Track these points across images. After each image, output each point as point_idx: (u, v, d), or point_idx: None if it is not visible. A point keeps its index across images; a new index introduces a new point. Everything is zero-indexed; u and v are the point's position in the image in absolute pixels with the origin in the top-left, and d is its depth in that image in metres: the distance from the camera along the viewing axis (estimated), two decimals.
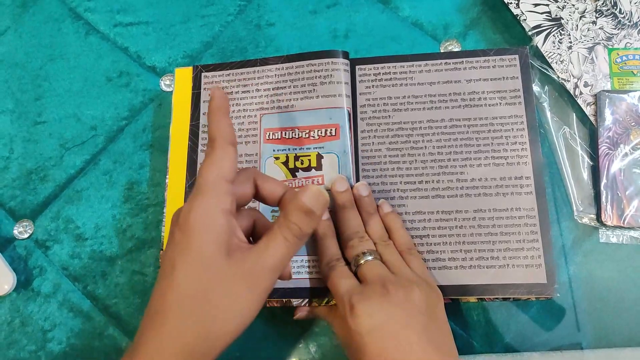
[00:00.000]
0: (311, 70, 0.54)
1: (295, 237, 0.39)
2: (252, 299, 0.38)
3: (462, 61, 0.54)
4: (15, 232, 0.59)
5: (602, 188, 0.53)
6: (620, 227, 0.53)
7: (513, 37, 0.60)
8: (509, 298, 0.49)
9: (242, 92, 0.56)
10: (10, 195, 0.61)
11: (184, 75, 0.58)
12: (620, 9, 0.58)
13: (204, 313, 0.36)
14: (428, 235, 0.50)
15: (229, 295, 0.37)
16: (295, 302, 0.50)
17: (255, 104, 0.55)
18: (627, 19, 0.58)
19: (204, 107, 0.57)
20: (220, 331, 0.37)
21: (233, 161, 0.39)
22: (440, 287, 0.48)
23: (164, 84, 0.63)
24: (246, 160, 0.54)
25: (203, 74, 0.58)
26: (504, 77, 0.53)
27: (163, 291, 0.37)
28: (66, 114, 0.63)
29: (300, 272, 0.50)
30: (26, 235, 0.59)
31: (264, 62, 0.56)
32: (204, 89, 0.57)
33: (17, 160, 0.62)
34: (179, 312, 0.36)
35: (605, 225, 0.53)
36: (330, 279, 0.46)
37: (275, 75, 0.56)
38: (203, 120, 0.56)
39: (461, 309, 0.53)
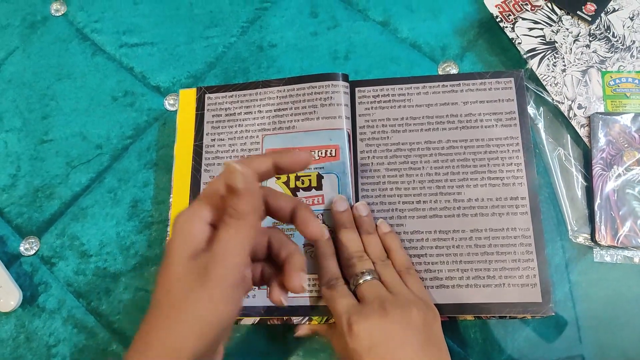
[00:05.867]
0: (312, 92, 0.55)
1: (232, 218, 0.38)
2: (225, 280, 0.37)
3: (459, 84, 0.55)
4: (22, 248, 0.60)
5: (596, 208, 0.54)
6: (614, 247, 0.54)
7: (509, 59, 0.62)
8: (506, 316, 0.50)
9: (245, 113, 0.57)
10: (17, 213, 0.62)
11: (188, 96, 0.60)
12: (613, 33, 0.59)
13: (190, 301, 0.37)
14: (426, 254, 0.51)
15: (206, 280, 0.37)
16: (295, 320, 0.51)
17: (258, 125, 0.57)
18: (620, 43, 0.59)
19: (207, 128, 0.58)
20: (209, 316, 0.37)
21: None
22: (438, 305, 0.48)
23: (168, 103, 0.65)
24: None
25: (207, 95, 0.59)
26: (499, 100, 0.54)
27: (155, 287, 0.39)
28: (72, 133, 0.64)
29: None
30: (32, 252, 0.60)
31: (266, 84, 0.58)
32: (207, 110, 0.59)
33: (24, 178, 0.63)
34: (166, 306, 0.37)
35: (599, 245, 0.54)
36: (329, 298, 0.47)
37: (277, 97, 0.57)
38: (206, 140, 0.57)
39: (458, 327, 0.54)
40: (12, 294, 0.57)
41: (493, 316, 0.50)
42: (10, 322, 0.58)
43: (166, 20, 0.69)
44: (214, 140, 0.57)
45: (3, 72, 0.68)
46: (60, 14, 0.70)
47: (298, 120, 0.55)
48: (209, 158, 0.57)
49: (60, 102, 0.66)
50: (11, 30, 0.70)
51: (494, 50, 0.63)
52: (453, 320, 0.53)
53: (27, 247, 0.60)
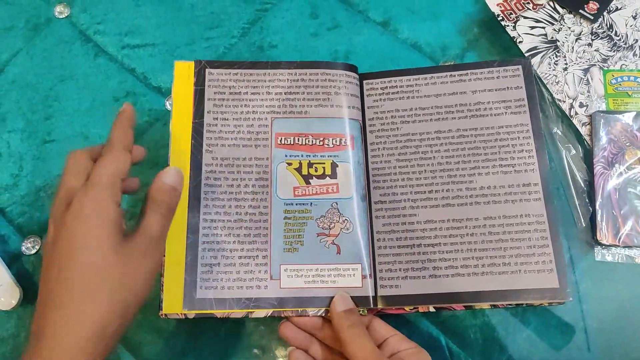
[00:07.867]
0: (325, 79, 0.55)
1: (167, 210, 0.44)
2: (151, 267, 0.42)
3: (467, 73, 0.56)
4: (23, 248, 0.59)
5: (597, 207, 0.54)
6: (616, 246, 0.54)
7: (510, 58, 0.62)
8: (522, 304, 0.50)
9: (252, 93, 0.55)
10: (19, 212, 0.60)
11: (184, 69, 0.56)
12: (616, 32, 0.61)
13: (113, 284, 0.39)
14: (440, 243, 0.51)
15: (132, 266, 0.40)
16: (311, 311, 0.49)
17: (266, 106, 0.55)
18: (623, 41, 0.60)
19: (208, 105, 0.55)
20: (131, 298, 0.40)
21: (128, 163, 0.44)
22: (454, 294, 0.49)
23: (169, 103, 0.64)
24: (256, 164, 0.53)
25: (207, 70, 0.56)
26: (508, 87, 0.55)
27: (62, 275, 0.39)
28: (74, 133, 0.64)
29: (316, 282, 0.50)
30: (33, 251, 0.58)
31: (275, 65, 0.56)
32: (209, 85, 0.56)
33: (27, 177, 0.62)
34: (86, 290, 0.38)
35: (600, 244, 0.54)
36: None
37: (288, 80, 0.56)
38: (208, 118, 0.55)
39: (458, 326, 0.53)
40: (13, 292, 0.55)
41: (510, 304, 0.49)
42: (11, 321, 0.56)
43: (168, 22, 0.69)
44: (217, 119, 0.55)
45: (7, 74, 0.67)
46: (63, 16, 0.70)
47: (311, 106, 0.55)
48: (211, 138, 0.54)
49: (63, 103, 0.65)
50: (15, 32, 0.69)
51: (495, 49, 0.64)
52: (452, 321, 0.53)
53: (29, 247, 0.59)
